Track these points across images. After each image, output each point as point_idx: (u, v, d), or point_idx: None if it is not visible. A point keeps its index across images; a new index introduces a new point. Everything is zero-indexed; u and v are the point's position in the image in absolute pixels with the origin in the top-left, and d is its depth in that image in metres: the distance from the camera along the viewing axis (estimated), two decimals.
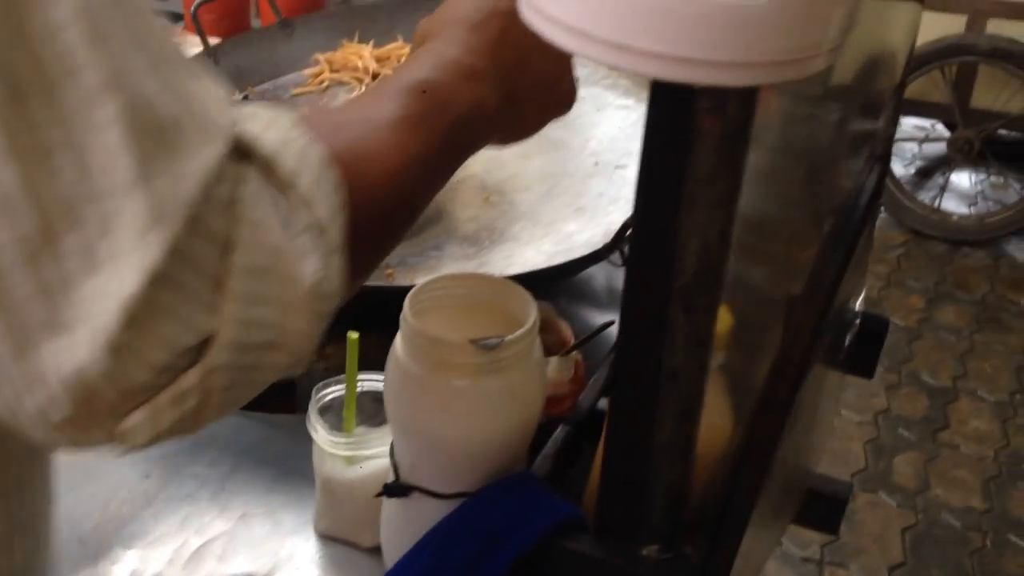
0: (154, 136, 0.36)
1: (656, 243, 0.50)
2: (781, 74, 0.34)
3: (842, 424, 2.52)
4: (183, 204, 0.36)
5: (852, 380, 2.62)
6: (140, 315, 0.36)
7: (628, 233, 0.82)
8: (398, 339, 0.61)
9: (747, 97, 0.44)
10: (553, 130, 1.05)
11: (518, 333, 0.58)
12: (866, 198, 1.01)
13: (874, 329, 1.06)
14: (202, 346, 0.38)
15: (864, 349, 1.06)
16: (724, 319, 0.60)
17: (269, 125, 0.43)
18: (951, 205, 3.49)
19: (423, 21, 0.61)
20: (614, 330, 0.77)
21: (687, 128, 0.46)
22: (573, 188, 0.96)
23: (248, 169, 0.40)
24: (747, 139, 0.48)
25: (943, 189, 3.49)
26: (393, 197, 0.50)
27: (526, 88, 0.60)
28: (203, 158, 0.37)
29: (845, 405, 2.58)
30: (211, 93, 0.40)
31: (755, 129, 0.50)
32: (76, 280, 0.35)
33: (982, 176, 3.57)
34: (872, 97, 0.99)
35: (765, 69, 0.34)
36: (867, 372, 1.08)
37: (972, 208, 3.51)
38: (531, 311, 0.60)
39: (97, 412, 0.37)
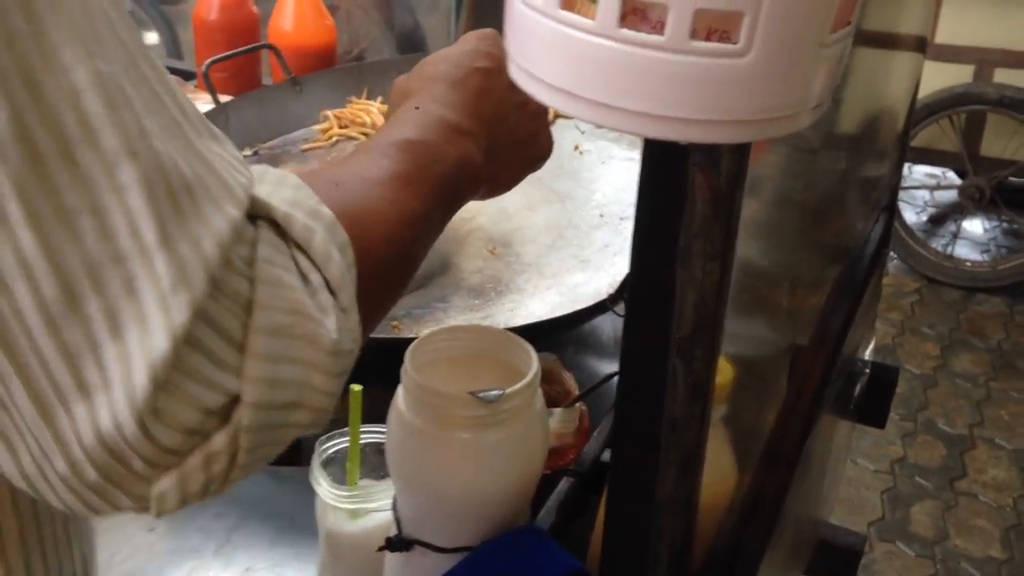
0: (174, 198, 0.36)
1: (654, 295, 0.50)
2: (764, 131, 0.35)
3: (859, 473, 2.49)
4: (206, 265, 0.37)
5: (868, 428, 2.59)
6: (169, 377, 0.36)
7: None
8: (400, 392, 0.61)
9: (738, 151, 0.45)
10: (558, 182, 1.07)
11: (519, 385, 0.59)
12: (872, 247, 1.01)
13: (884, 378, 1.05)
14: (228, 408, 0.38)
15: (874, 398, 1.05)
16: (725, 370, 0.60)
17: (278, 185, 0.44)
18: (964, 252, 3.49)
19: (400, 79, 0.63)
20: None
21: (680, 182, 0.46)
22: (578, 240, 0.97)
23: (263, 230, 0.41)
24: (740, 192, 0.48)
25: (955, 236, 3.49)
26: (392, 253, 0.51)
27: (506, 143, 0.62)
28: (222, 219, 0.38)
29: (861, 454, 2.55)
30: (227, 155, 0.41)
31: (753, 180, 0.51)
32: (102, 343, 0.35)
33: (994, 223, 3.56)
34: (874, 146, 1.00)
35: (748, 127, 0.35)
36: (878, 422, 1.08)
37: (985, 255, 3.50)
38: (532, 363, 0.60)
39: (124, 477, 0.38)
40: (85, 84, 0.35)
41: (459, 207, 0.59)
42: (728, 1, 0.32)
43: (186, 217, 0.37)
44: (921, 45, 1.26)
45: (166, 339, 0.36)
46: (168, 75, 0.41)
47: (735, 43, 0.33)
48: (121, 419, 0.36)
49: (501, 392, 0.58)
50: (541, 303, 0.88)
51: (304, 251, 0.42)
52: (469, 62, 0.60)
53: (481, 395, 0.57)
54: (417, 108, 0.58)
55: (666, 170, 0.47)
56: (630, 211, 1.00)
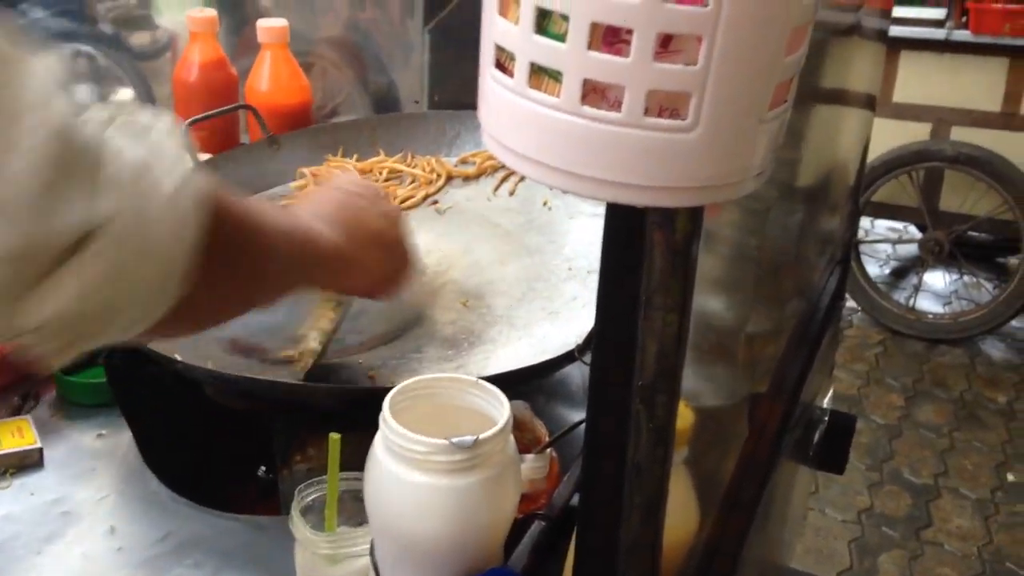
0: None
1: (617, 345, 0.54)
2: (712, 196, 0.39)
3: (827, 523, 2.52)
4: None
5: (835, 478, 2.62)
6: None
7: None
8: (378, 439, 0.64)
9: (693, 211, 0.48)
10: (529, 237, 1.11)
11: (491, 432, 0.61)
12: (828, 299, 1.05)
13: (842, 425, 1.09)
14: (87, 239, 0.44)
15: (833, 445, 1.09)
16: (685, 416, 0.64)
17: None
18: (926, 304, 3.57)
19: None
20: None
21: (640, 241, 0.50)
22: (548, 292, 1.00)
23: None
24: (696, 248, 0.52)
25: (917, 289, 3.57)
26: (253, 240, 0.61)
27: (366, 252, 0.78)
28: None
29: (829, 504, 2.58)
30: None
31: (709, 236, 0.55)
32: None
33: (955, 276, 3.65)
34: (828, 202, 1.05)
35: (697, 192, 0.39)
36: (838, 468, 1.11)
37: (946, 307, 3.58)
38: (504, 411, 0.63)
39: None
40: None
41: (315, 278, 0.75)
42: (676, 83, 0.36)
43: None
44: (871, 103, 1.32)
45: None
46: None
47: (684, 119, 0.37)
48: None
49: (475, 438, 0.61)
50: (512, 353, 0.91)
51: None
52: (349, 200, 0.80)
53: (456, 441, 0.60)
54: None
55: (627, 229, 0.50)
56: (597, 264, 1.04)
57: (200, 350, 0.94)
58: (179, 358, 0.89)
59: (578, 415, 1.01)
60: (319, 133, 1.27)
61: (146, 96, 3.78)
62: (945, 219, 3.36)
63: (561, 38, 0.37)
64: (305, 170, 1.21)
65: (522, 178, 1.20)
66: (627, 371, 0.54)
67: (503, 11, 0.39)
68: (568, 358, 0.85)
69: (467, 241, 1.10)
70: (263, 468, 1.00)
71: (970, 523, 2.55)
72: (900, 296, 3.57)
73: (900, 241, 3.87)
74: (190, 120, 1.17)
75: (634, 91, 0.36)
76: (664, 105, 0.37)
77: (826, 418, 1.09)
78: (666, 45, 0.36)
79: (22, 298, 0.44)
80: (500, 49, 0.40)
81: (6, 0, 3.59)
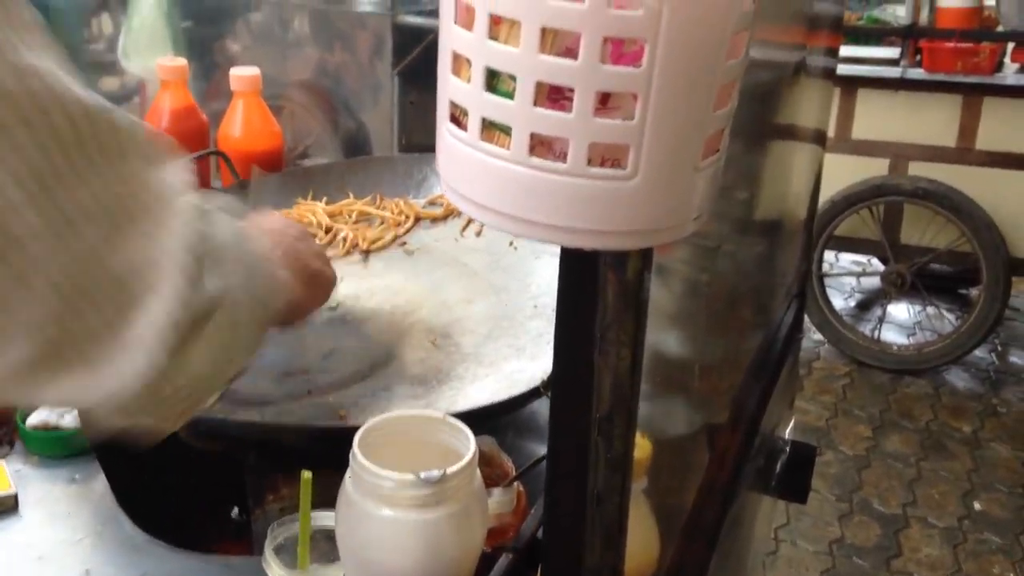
0: None
1: (575, 379, 0.57)
2: (654, 239, 0.42)
3: (798, 554, 2.55)
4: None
5: (806, 510, 2.64)
6: None
7: None
8: (348, 475, 0.66)
9: (642, 251, 0.52)
10: (495, 276, 1.14)
11: (458, 466, 0.64)
12: (784, 331, 1.09)
13: (803, 456, 1.12)
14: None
15: (795, 475, 1.12)
16: (644, 446, 0.66)
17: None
18: (891, 336, 3.63)
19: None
20: None
21: (593, 280, 0.53)
22: (514, 330, 1.03)
23: None
24: (646, 286, 0.55)
25: (881, 321, 3.64)
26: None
27: (311, 293, 0.84)
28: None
29: (800, 535, 2.61)
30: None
31: (662, 273, 0.58)
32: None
33: (918, 307, 3.72)
34: (781, 237, 1.09)
35: (640, 236, 0.42)
36: (800, 498, 1.14)
37: (911, 338, 3.64)
38: (470, 446, 0.66)
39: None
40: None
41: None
42: (615, 136, 0.39)
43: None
44: (821, 139, 1.37)
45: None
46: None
47: (624, 168, 0.40)
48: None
49: (442, 472, 0.63)
50: (480, 390, 0.94)
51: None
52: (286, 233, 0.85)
53: (424, 476, 0.62)
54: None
55: (581, 269, 0.53)
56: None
57: None
58: None
59: (543, 447, 1.03)
60: (289, 177, 1.30)
61: None
62: (906, 252, 3.44)
63: (510, 95, 0.40)
64: (275, 213, 1.24)
65: None
66: (585, 404, 0.56)
67: (456, 71, 0.42)
68: (534, 394, 0.88)
69: (435, 281, 1.13)
70: (236, 509, 1.01)
71: (938, 552, 2.58)
72: (865, 328, 3.63)
73: (863, 274, 3.95)
74: None
75: (577, 144, 0.40)
76: (606, 156, 0.40)
77: (787, 448, 1.12)
78: (605, 102, 0.39)
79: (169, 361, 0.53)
80: (454, 105, 0.43)
81: None
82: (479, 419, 0.89)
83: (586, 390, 0.56)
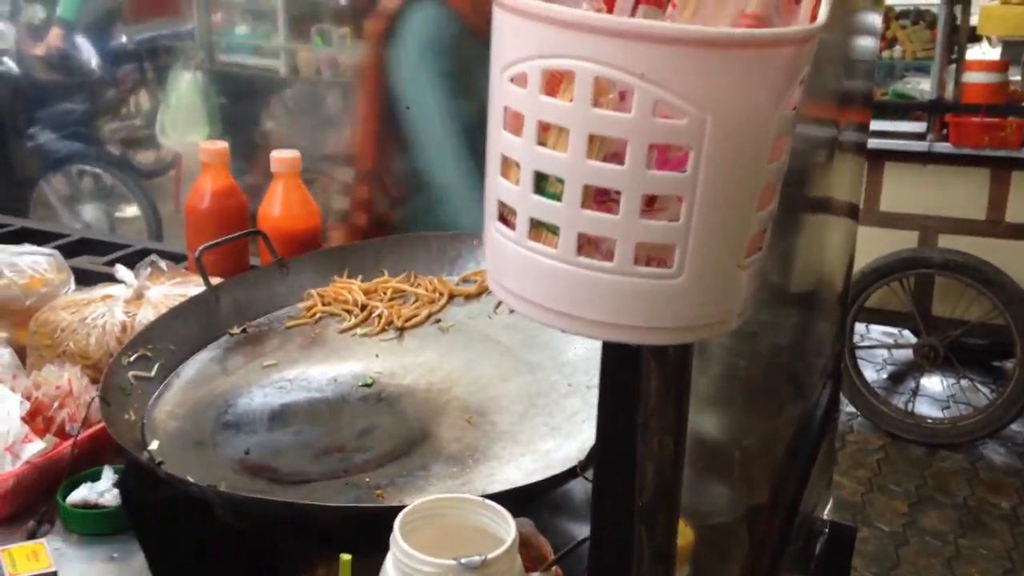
0: None
1: (616, 467, 0.57)
2: (698, 335, 0.43)
3: None
4: None
5: None
6: None
7: None
8: (388, 560, 0.66)
9: (684, 344, 0.53)
10: (529, 353, 1.14)
11: (499, 551, 0.64)
12: (821, 412, 1.09)
13: (842, 537, 1.11)
14: None
15: (834, 557, 1.10)
16: (686, 533, 0.66)
17: None
18: (924, 409, 3.58)
19: None
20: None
21: (636, 368, 0.54)
22: (549, 408, 1.04)
23: None
24: (688, 375, 0.56)
25: (915, 393, 3.59)
26: None
27: None
28: None
29: None
30: None
31: (703, 358, 0.58)
32: None
33: (952, 380, 3.68)
34: (816, 314, 1.09)
35: (685, 332, 0.43)
36: None
37: (945, 411, 3.59)
38: (510, 530, 0.66)
39: None
40: None
41: None
42: (661, 236, 0.41)
43: None
44: (854, 213, 1.37)
45: None
46: None
47: (670, 267, 0.41)
48: None
49: (483, 558, 0.63)
50: (516, 469, 0.94)
51: None
52: None
53: (465, 562, 0.63)
54: None
55: (623, 357, 0.54)
56: (596, 380, 1.08)
57: (211, 470, 0.97)
58: (191, 479, 0.92)
59: (582, 529, 1.03)
60: (326, 256, 1.32)
61: (151, 212, 3.88)
62: (938, 324, 3.41)
63: (557, 197, 0.42)
64: (312, 291, 1.26)
65: None
66: (627, 492, 0.57)
67: (504, 173, 0.44)
68: (571, 474, 0.88)
69: (470, 358, 1.14)
70: None
71: None
72: (898, 400, 3.59)
73: (895, 346, 3.91)
74: (203, 246, 1.22)
75: (624, 244, 0.41)
76: (652, 255, 0.41)
77: (826, 530, 1.10)
78: (651, 204, 0.40)
79: None
80: (502, 204, 0.45)
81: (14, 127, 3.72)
82: (516, 500, 0.89)
83: (628, 478, 0.57)
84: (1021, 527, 2.97)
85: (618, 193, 0.40)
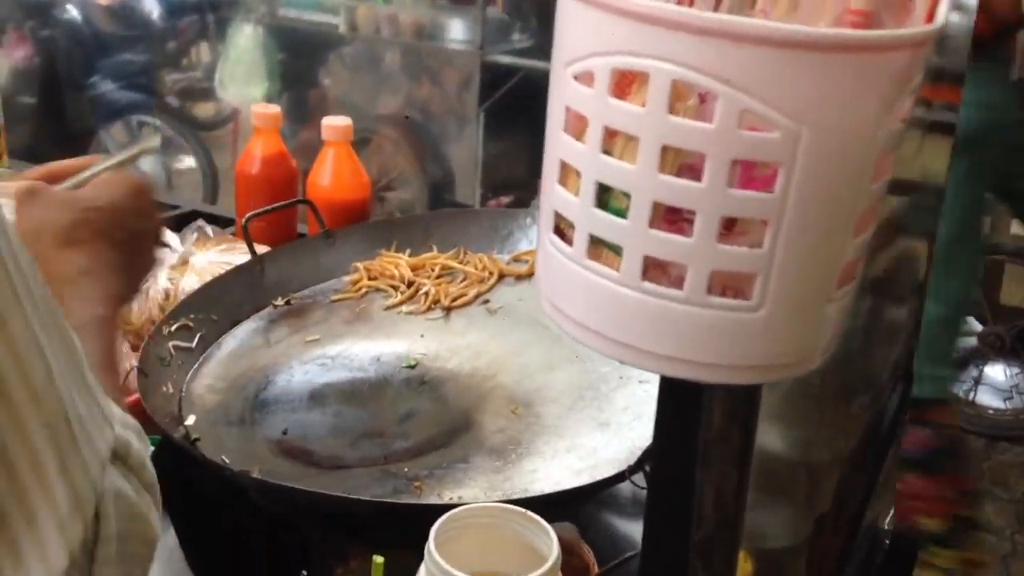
0: (71, 431, 0.41)
1: (673, 496, 0.52)
2: (775, 375, 0.37)
3: None
4: (94, 486, 0.42)
5: None
6: None
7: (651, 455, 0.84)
8: (422, 572, 0.62)
9: None
10: (578, 343, 1.09)
11: (541, 571, 0.60)
12: (890, 415, 1.02)
13: (904, 551, 1.05)
14: None
15: (893, 571, 1.04)
16: (744, 567, 0.61)
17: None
18: (986, 399, 3.46)
19: (59, 216, 0.68)
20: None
21: (697, 389, 0.49)
22: (598, 402, 0.99)
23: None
24: (757, 401, 0.50)
25: (977, 382, 3.47)
26: None
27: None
28: (103, 442, 0.43)
29: None
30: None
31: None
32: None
33: (1016, 370, 3.55)
34: (892, 306, 1.02)
35: (761, 371, 0.37)
36: None
37: (1008, 403, 3.47)
38: (553, 548, 0.62)
39: None
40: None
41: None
42: (741, 264, 0.35)
43: (79, 447, 0.41)
44: (940, 195, 1.29)
45: (64, 559, 0.40)
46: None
47: (748, 299, 0.36)
48: None
49: None
50: (561, 468, 0.89)
51: (123, 459, 0.47)
52: (129, 224, 0.71)
53: None
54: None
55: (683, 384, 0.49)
56: (648, 374, 1.02)
57: (248, 449, 0.94)
58: (226, 461, 0.89)
59: (627, 527, 0.98)
60: (374, 228, 1.28)
61: (207, 164, 3.89)
62: (1006, 313, 3.28)
63: (622, 213, 0.36)
64: (359, 264, 1.22)
65: None
66: (684, 523, 0.52)
67: (563, 180, 0.39)
68: (620, 478, 0.83)
69: (517, 343, 1.09)
70: (304, 574, 0.99)
71: None
72: (959, 389, 3.47)
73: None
74: (250, 215, 1.18)
75: (697, 270, 0.36)
76: (728, 284, 0.36)
77: (887, 541, 1.04)
78: (730, 227, 0.35)
79: None
80: (559, 216, 0.39)
81: (76, 74, 3.74)
82: (559, 502, 0.85)
83: (686, 508, 0.52)
84: None
85: (692, 213, 0.35)
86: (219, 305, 1.13)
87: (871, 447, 0.96)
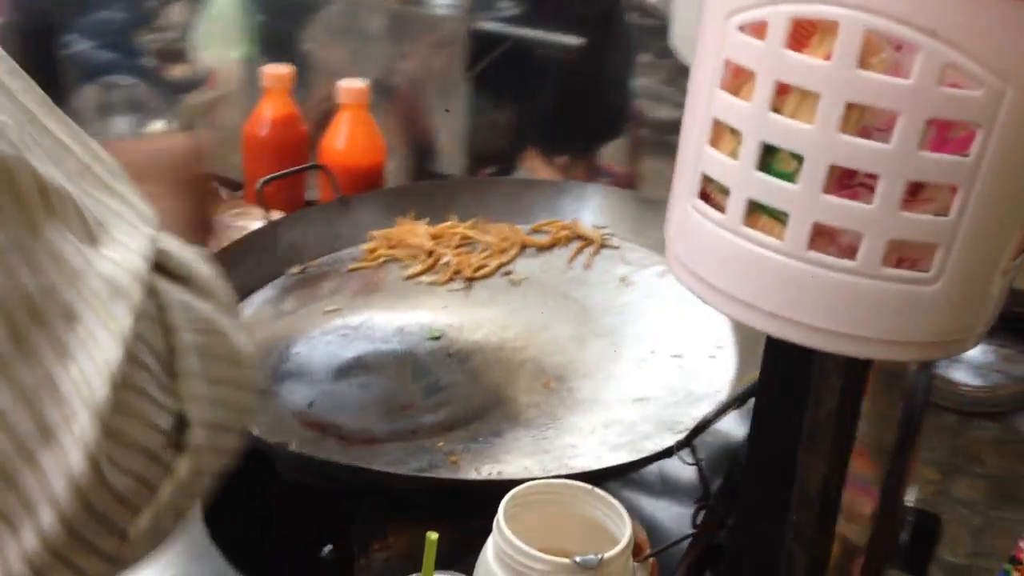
0: (91, 228, 0.38)
1: (772, 477, 0.50)
2: (938, 353, 0.36)
3: None
4: (136, 275, 0.38)
5: None
6: (121, 395, 0.36)
7: (700, 430, 0.82)
8: (490, 548, 0.60)
9: None
10: (608, 316, 1.07)
11: (615, 551, 0.58)
12: (920, 398, 1.01)
13: (927, 527, 1.04)
14: (178, 434, 0.38)
15: (917, 548, 1.04)
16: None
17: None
18: (960, 375, 3.51)
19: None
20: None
21: (808, 366, 0.47)
22: (631, 376, 0.97)
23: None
24: (868, 377, 0.48)
25: (952, 359, 3.52)
26: None
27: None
28: (141, 238, 0.39)
29: None
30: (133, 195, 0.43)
31: None
32: (55, 374, 0.35)
33: (990, 347, 3.60)
34: None
35: (924, 348, 0.36)
36: (919, 572, 1.06)
37: (982, 379, 3.52)
38: (626, 527, 0.60)
39: (96, 531, 0.36)
40: None
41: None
42: (923, 233, 0.33)
43: (110, 235, 0.38)
44: None
45: (117, 347, 0.35)
46: (74, 125, 0.43)
47: (925, 271, 0.34)
48: (89, 449, 0.34)
49: (600, 558, 0.57)
50: (599, 443, 0.88)
51: (185, 279, 0.43)
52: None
53: (580, 561, 0.57)
54: None
55: (793, 354, 0.47)
56: (679, 349, 1.01)
57: (274, 424, 0.91)
58: (257, 433, 0.86)
59: (654, 505, 0.97)
60: (390, 195, 1.24)
61: (187, 126, 3.79)
62: None
63: (789, 177, 0.34)
64: (376, 233, 1.19)
65: (597, 251, 1.17)
66: (782, 505, 0.50)
67: (714, 141, 0.36)
68: (667, 453, 0.81)
69: (544, 316, 1.07)
70: (329, 547, 0.96)
71: None
72: (935, 365, 3.51)
73: None
74: (265, 179, 1.14)
75: (873, 240, 0.33)
76: (904, 254, 0.34)
77: (910, 518, 1.04)
78: (915, 193, 0.33)
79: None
80: (707, 179, 0.37)
81: (51, 33, 3.63)
82: (601, 478, 0.83)
83: (785, 490, 0.50)
84: None
85: (870, 177, 0.33)
86: (234, 272, 1.09)
87: (908, 428, 0.95)
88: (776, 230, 0.35)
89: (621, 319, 1.07)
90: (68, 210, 0.37)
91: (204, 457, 0.39)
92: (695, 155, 0.37)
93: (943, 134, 0.31)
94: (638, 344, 1.02)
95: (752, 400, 0.90)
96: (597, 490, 0.63)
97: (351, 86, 1.26)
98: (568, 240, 1.18)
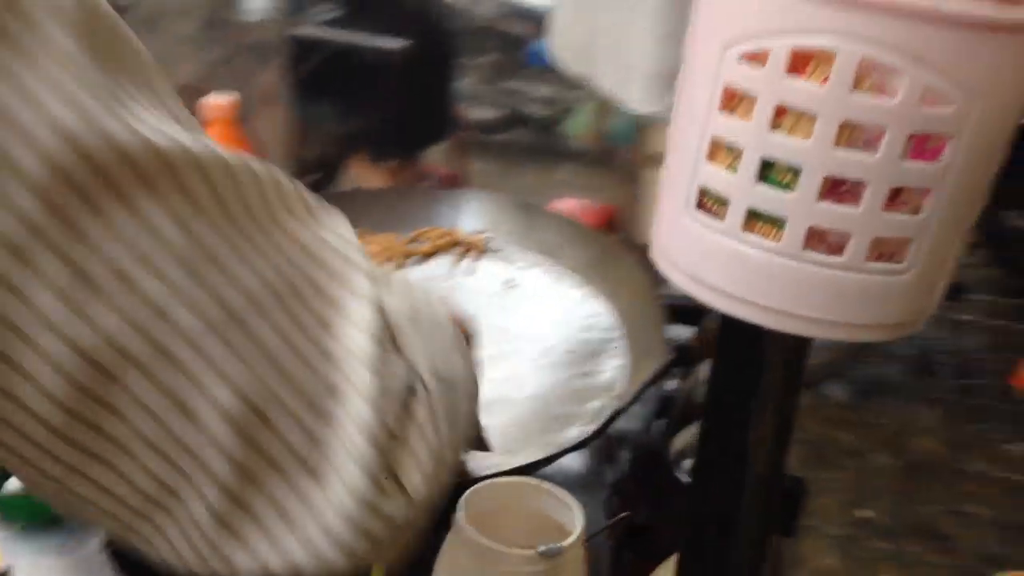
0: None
1: (725, 452, 0.55)
2: (902, 331, 0.41)
3: None
4: (357, 246, 0.46)
5: None
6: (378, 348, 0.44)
7: (612, 420, 0.87)
8: (450, 547, 0.62)
9: None
10: (497, 317, 1.11)
11: (573, 538, 0.61)
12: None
13: (795, 490, 1.14)
14: (412, 386, 0.45)
15: (788, 511, 1.13)
16: None
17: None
18: None
19: None
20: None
21: (757, 353, 0.52)
22: (528, 376, 1.01)
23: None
24: (805, 360, 0.54)
25: None
26: None
27: None
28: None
29: None
30: None
31: None
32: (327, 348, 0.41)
33: None
34: None
35: (893, 328, 0.41)
36: (789, 532, 1.16)
37: None
38: (577, 517, 0.64)
39: (381, 497, 0.42)
40: None
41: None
42: (900, 230, 0.39)
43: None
44: None
45: (370, 311, 0.43)
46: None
47: (900, 263, 0.39)
48: (375, 402, 0.41)
49: (560, 547, 0.60)
50: (507, 442, 0.91)
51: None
52: None
53: (543, 550, 0.60)
54: None
55: (743, 339, 0.52)
56: (573, 345, 1.06)
57: None
58: None
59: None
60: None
61: None
62: None
63: (785, 187, 0.38)
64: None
65: (480, 256, 1.20)
66: (735, 476, 0.55)
67: (712, 156, 0.40)
68: (581, 445, 0.86)
69: None
70: None
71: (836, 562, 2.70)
72: None
73: None
74: None
75: (860, 238, 0.38)
76: (883, 250, 0.39)
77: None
78: (895, 196, 0.38)
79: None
80: (704, 191, 0.41)
81: None
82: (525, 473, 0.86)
83: (738, 461, 0.55)
84: (863, 459, 3.21)
85: (856, 184, 0.38)
86: None
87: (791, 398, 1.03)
88: (773, 233, 0.39)
89: (508, 319, 1.10)
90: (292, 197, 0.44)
91: (436, 399, 0.45)
92: (691, 169, 0.41)
93: (921, 145, 0.37)
94: (531, 344, 1.06)
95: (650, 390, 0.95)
96: (545, 484, 0.67)
97: (219, 101, 1.22)
98: (449, 247, 1.20)
